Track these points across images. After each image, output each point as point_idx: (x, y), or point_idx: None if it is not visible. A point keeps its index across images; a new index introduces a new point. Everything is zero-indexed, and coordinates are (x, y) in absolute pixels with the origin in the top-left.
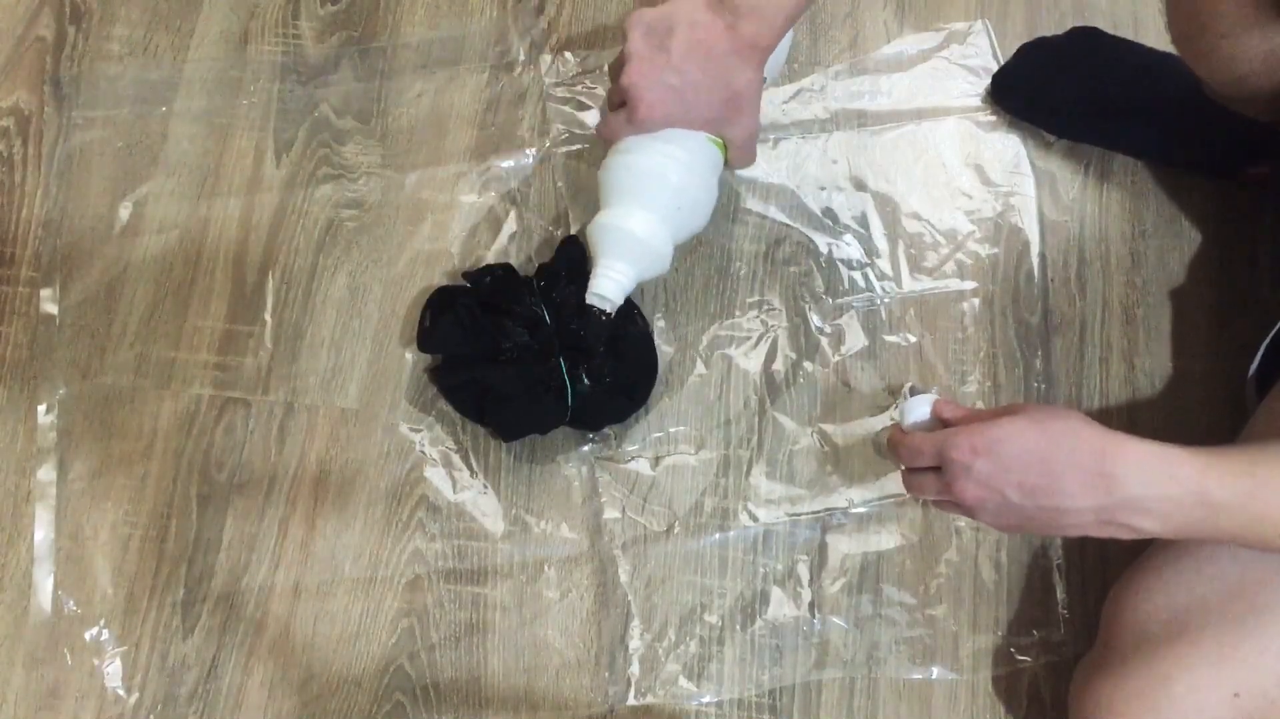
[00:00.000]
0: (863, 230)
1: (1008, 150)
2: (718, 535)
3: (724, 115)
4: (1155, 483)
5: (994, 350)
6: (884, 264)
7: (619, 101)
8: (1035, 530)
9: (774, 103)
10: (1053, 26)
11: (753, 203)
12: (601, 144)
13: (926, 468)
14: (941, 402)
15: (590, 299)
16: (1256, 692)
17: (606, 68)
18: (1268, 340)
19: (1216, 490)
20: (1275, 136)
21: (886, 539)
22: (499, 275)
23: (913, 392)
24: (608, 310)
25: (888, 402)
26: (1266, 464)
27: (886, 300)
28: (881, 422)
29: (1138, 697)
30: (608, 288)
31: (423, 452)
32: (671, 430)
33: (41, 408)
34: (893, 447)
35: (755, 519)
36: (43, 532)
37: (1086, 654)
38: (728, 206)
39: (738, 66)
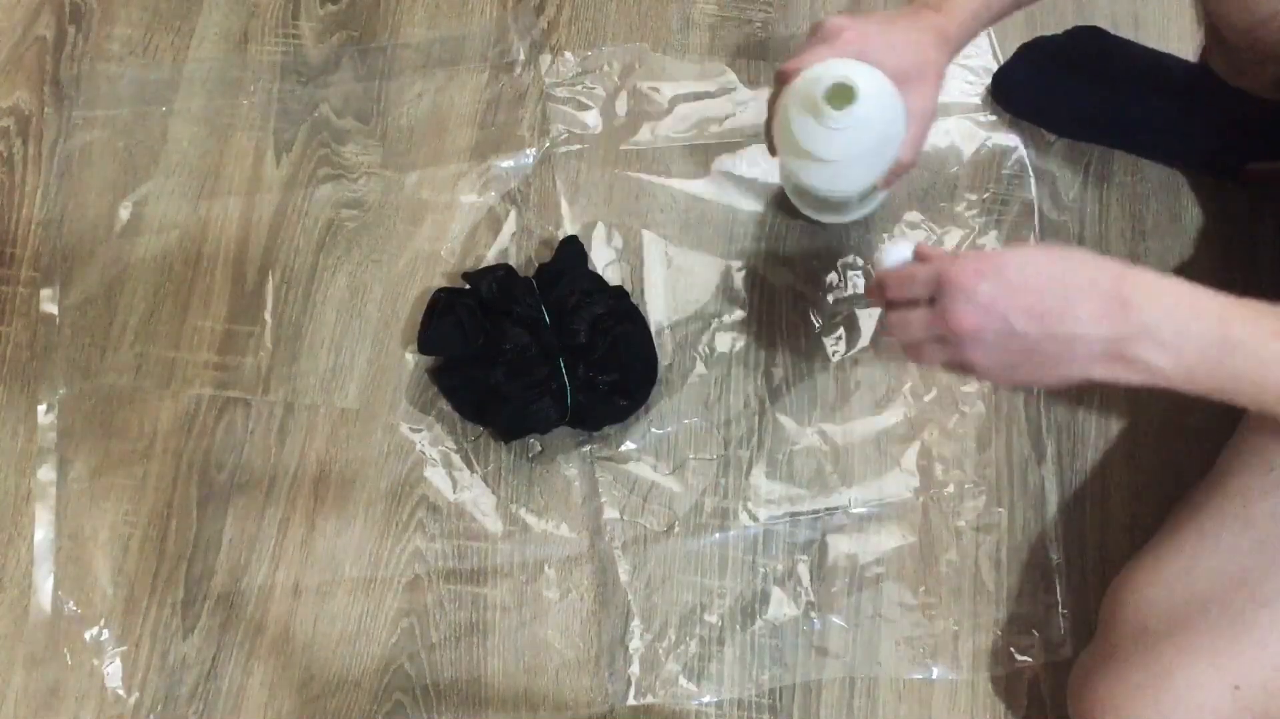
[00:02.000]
0: (863, 230)
1: (1008, 150)
2: (718, 535)
3: (914, 73)
4: (1175, 313)
5: None
6: None
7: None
8: (1032, 372)
9: None
10: (1053, 26)
11: (753, 202)
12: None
13: (915, 307)
14: (925, 245)
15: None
16: (1256, 684)
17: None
18: None
19: (1237, 326)
20: (1277, 133)
21: (886, 539)
22: (499, 276)
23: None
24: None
25: (888, 402)
26: None
27: None
28: (882, 421)
29: (1138, 691)
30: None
31: (423, 452)
32: (671, 430)
33: (41, 408)
34: (878, 283)
35: (755, 519)
36: (43, 532)
37: (1085, 648)
38: (726, 205)
39: (930, 42)
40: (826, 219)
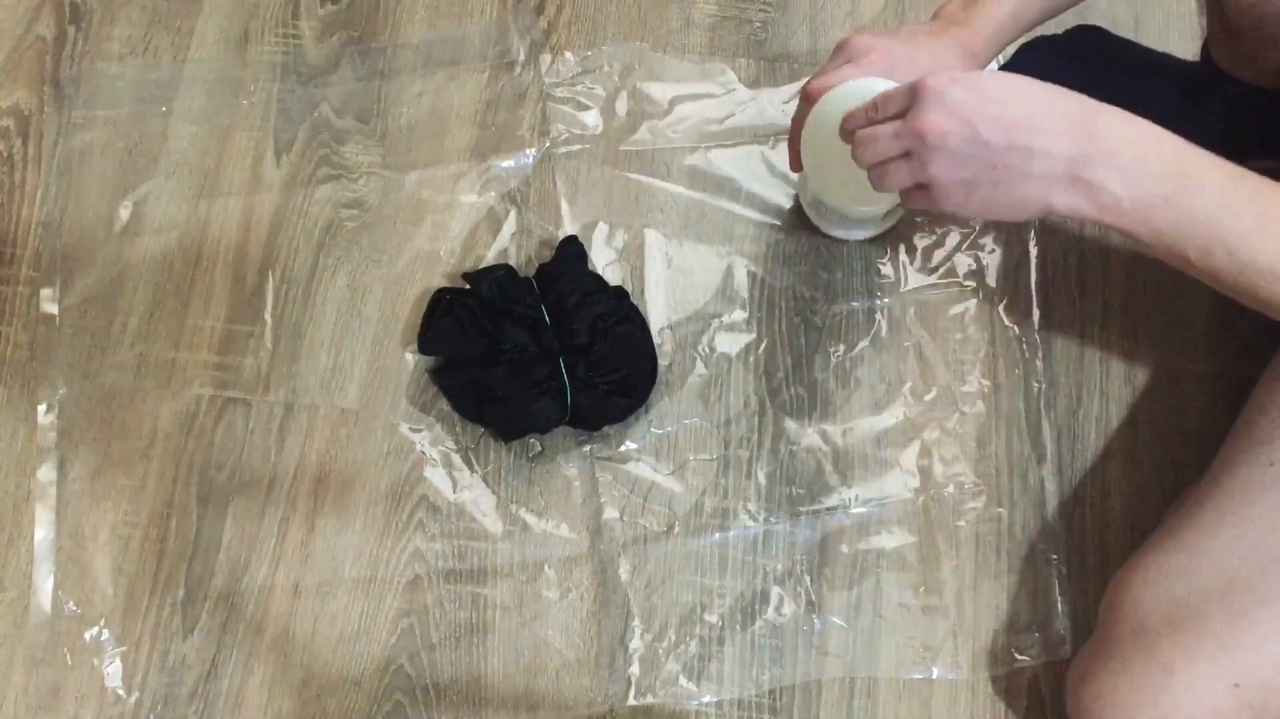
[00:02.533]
0: (862, 230)
1: None
2: (718, 535)
3: None
4: (1137, 142)
5: (994, 350)
6: (884, 264)
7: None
8: (992, 192)
9: (774, 103)
10: (1053, 26)
11: (753, 203)
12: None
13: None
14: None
15: None
16: (1257, 682)
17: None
18: None
19: (1194, 164)
20: (1278, 130)
21: (886, 539)
22: (499, 276)
23: None
24: None
25: (888, 402)
26: (1243, 170)
27: (886, 300)
28: (882, 421)
29: (1138, 688)
30: None
31: (423, 452)
32: (671, 430)
33: (41, 408)
34: (867, 106)
35: (755, 519)
36: (43, 532)
37: (1083, 646)
38: (726, 205)
39: (955, 58)
40: (843, 235)
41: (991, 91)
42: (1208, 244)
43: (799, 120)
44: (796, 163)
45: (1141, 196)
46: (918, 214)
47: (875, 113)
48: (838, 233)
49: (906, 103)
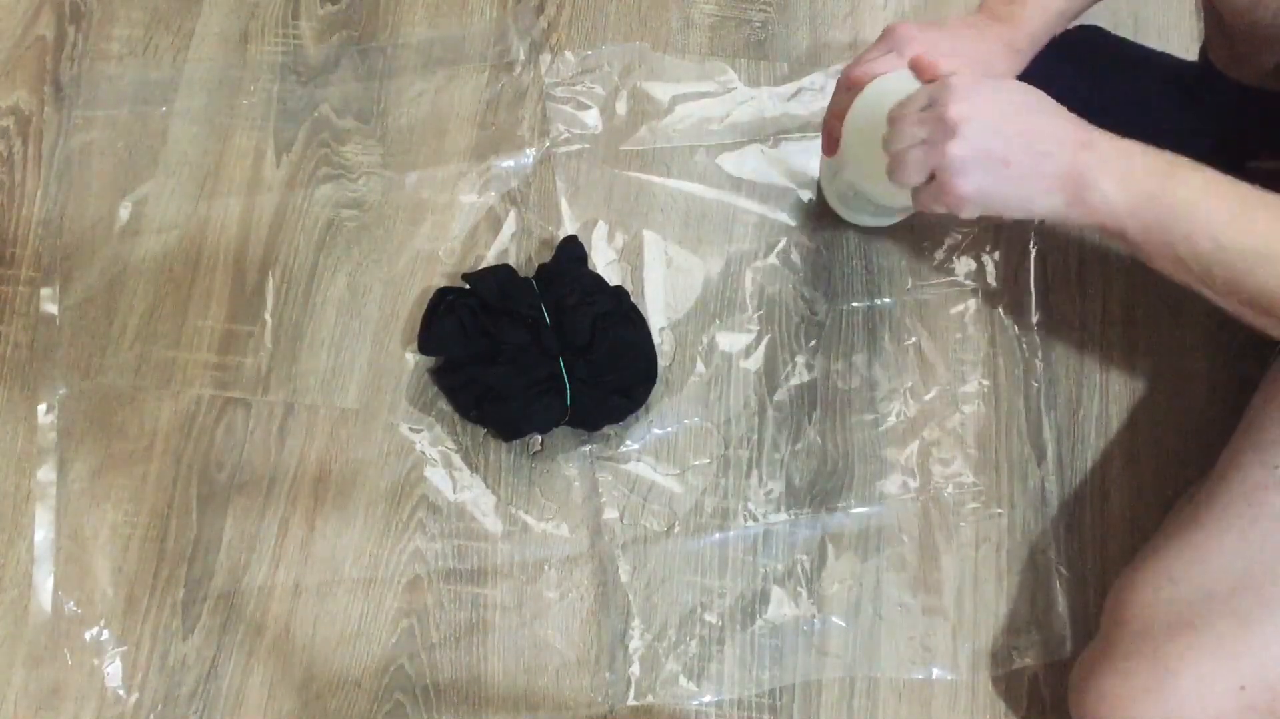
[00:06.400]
0: (862, 229)
1: None
2: (718, 535)
3: None
4: (1126, 151)
5: (994, 350)
6: (884, 264)
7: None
8: (1002, 185)
9: (774, 102)
10: None
11: (753, 202)
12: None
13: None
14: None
15: None
16: (1262, 684)
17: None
18: None
19: (1178, 166)
20: (1277, 130)
21: (886, 539)
22: (499, 276)
23: None
24: None
25: (888, 401)
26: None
27: (886, 300)
28: (882, 421)
29: (1142, 690)
30: None
31: (423, 452)
32: (671, 430)
33: (41, 408)
34: (892, 114)
35: (755, 519)
36: (43, 532)
37: (1086, 648)
38: (726, 205)
39: (998, 54)
40: (866, 222)
41: (1011, 96)
42: (1191, 233)
43: (837, 106)
44: (831, 147)
45: (1131, 195)
46: (928, 219)
47: (909, 106)
48: (859, 219)
49: (933, 97)
